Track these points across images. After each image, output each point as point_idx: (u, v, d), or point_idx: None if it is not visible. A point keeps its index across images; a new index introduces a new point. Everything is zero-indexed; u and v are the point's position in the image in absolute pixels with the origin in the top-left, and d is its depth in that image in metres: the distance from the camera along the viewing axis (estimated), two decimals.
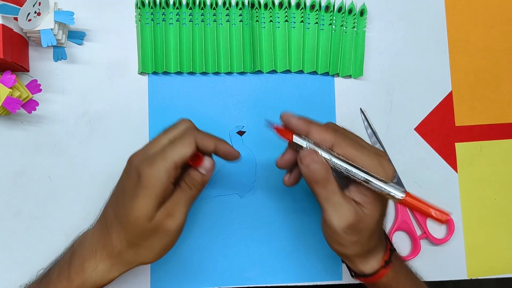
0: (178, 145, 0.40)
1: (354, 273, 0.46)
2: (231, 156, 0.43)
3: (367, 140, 0.55)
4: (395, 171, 0.42)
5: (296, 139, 0.41)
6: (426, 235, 0.54)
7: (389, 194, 0.39)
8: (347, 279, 0.53)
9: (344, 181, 0.41)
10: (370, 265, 0.44)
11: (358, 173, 0.39)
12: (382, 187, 0.39)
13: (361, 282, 0.47)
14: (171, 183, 0.40)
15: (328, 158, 0.40)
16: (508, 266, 0.56)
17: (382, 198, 0.40)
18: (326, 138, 0.40)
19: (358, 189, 0.40)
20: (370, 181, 0.39)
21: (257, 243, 0.53)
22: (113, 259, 0.42)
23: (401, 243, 0.55)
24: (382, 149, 0.55)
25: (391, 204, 0.55)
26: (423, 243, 0.54)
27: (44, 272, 0.44)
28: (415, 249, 0.54)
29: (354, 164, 0.39)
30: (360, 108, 0.55)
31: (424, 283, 0.48)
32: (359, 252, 0.42)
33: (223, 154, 0.43)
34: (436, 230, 0.55)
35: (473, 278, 0.55)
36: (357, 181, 0.39)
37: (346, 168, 0.39)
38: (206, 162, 0.42)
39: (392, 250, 0.46)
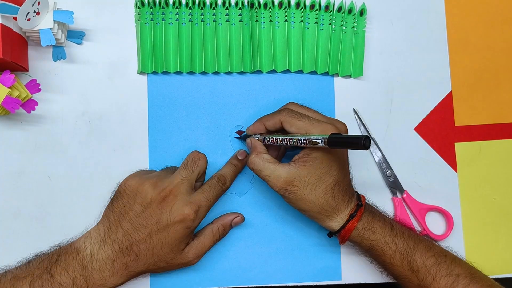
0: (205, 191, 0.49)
1: (329, 233, 0.49)
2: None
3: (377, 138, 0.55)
4: (346, 127, 0.48)
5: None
6: (426, 232, 0.54)
7: (314, 141, 0.43)
8: (347, 279, 0.53)
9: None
10: (337, 221, 0.47)
11: (292, 137, 0.45)
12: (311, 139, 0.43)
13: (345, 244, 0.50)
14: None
15: (263, 137, 0.48)
16: (507, 266, 0.56)
17: (323, 156, 0.45)
18: (275, 121, 0.48)
19: (300, 155, 0.46)
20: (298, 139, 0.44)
21: (257, 243, 0.53)
22: (130, 272, 0.47)
23: None
24: (378, 149, 0.55)
25: (389, 203, 0.55)
26: None
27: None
28: None
29: (290, 134, 0.46)
30: (353, 109, 0.55)
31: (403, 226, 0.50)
32: (316, 208, 0.46)
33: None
34: (435, 226, 0.55)
35: None
36: (297, 145, 0.45)
37: (280, 138, 0.46)
38: (239, 218, 0.52)
39: (359, 205, 0.48)
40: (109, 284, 0.46)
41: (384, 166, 0.55)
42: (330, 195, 0.46)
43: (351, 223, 0.47)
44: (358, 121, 0.55)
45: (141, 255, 0.46)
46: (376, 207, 0.51)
